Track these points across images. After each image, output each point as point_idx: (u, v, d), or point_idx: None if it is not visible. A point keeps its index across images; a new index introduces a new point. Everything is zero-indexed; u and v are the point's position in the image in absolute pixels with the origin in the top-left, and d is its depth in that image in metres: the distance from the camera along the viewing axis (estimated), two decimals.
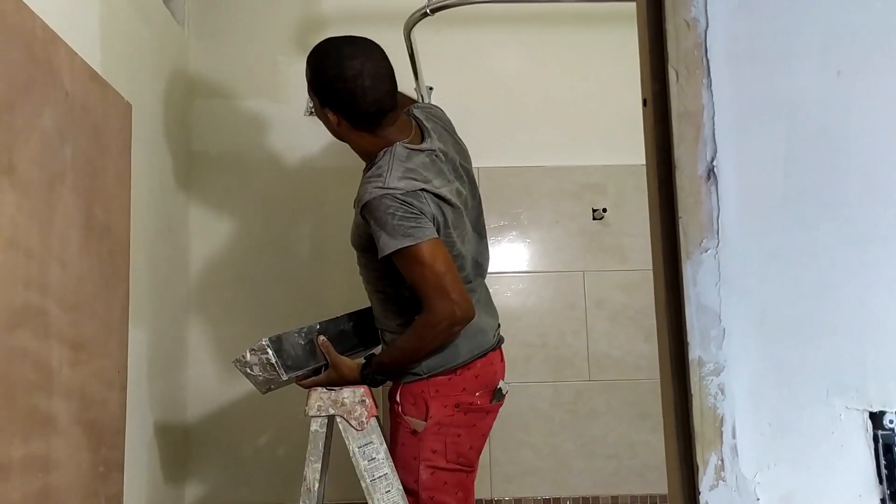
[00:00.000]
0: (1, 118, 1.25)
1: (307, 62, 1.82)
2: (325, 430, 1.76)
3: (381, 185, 1.70)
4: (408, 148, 1.78)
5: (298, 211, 2.53)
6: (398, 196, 1.69)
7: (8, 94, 1.27)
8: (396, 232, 1.67)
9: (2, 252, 1.24)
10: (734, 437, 0.78)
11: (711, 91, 0.82)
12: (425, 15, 2.08)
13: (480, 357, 1.83)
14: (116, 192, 1.75)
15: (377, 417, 1.77)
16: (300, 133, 2.55)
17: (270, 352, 1.70)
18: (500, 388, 1.86)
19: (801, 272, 0.80)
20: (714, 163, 0.82)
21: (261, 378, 1.73)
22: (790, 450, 0.78)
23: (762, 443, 0.78)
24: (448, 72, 2.60)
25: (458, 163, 1.89)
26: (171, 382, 2.27)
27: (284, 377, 1.72)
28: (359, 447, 1.72)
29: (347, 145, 1.86)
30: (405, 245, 1.67)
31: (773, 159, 0.81)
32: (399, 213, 1.68)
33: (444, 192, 1.77)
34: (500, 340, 1.92)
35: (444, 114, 1.98)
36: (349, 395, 1.75)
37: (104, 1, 1.77)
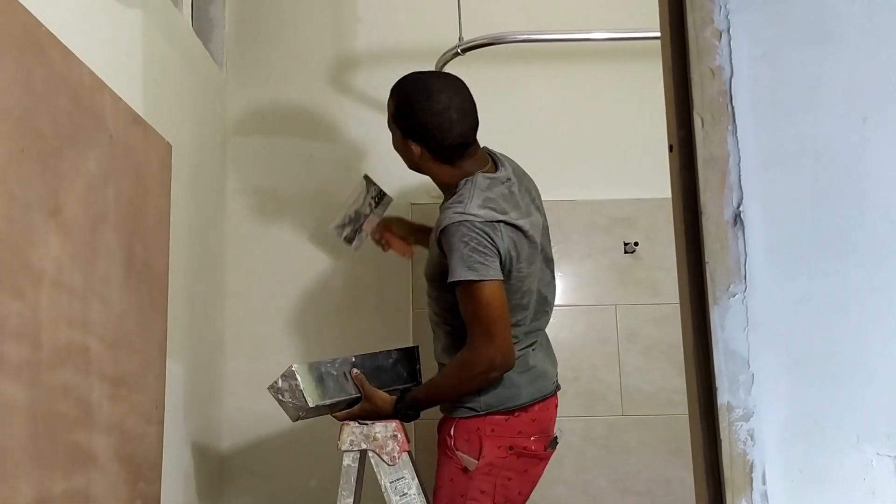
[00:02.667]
0: (48, 164, 1.30)
1: (391, 94, 1.86)
2: (357, 464, 1.77)
3: (461, 210, 1.73)
4: (488, 177, 1.80)
5: (333, 248, 2.56)
6: (476, 224, 1.70)
7: (56, 140, 1.33)
8: (464, 261, 1.69)
9: (47, 293, 1.28)
10: (764, 483, 0.78)
11: (737, 137, 0.84)
12: (457, 54, 2.12)
13: (540, 401, 1.82)
14: (156, 230, 1.80)
15: (409, 452, 1.78)
16: (335, 170, 2.59)
17: (298, 377, 1.73)
18: (556, 436, 1.86)
19: (830, 318, 0.81)
20: (740, 208, 0.82)
21: (290, 405, 1.75)
22: (821, 497, 0.78)
23: (792, 489, 0.78)
24: (479, 107, 2.62)
25: (533, 194, 1.92)
26: (206, 416, 2.30)
27: (311, 405, 1.74)
28: (390, 482, 1.73)
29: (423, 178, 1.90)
30: (468, 278, 1.68)
31: (799, 205, 0.82)
32: (472, 244, 1.69)
33: (522, 223, 1.78)
34: (558, 387, 1.92)
35: None
36: (381, 429, 1.76)
37: (147, 46, 1.84)
